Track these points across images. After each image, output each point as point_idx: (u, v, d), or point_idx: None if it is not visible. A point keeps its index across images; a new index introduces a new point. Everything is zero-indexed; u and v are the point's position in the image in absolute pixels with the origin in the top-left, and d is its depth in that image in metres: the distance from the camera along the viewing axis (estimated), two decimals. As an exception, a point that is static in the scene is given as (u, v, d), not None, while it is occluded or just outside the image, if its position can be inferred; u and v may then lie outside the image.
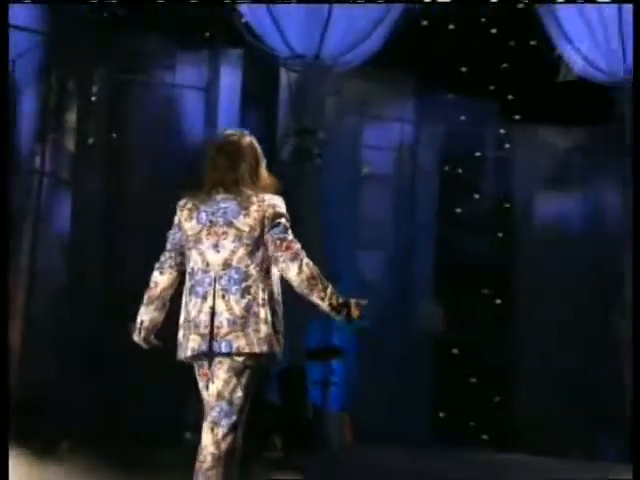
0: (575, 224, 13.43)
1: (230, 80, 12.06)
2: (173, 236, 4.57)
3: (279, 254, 4.36)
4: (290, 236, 4.40)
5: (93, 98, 11.46)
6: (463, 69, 12.72)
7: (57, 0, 10.88)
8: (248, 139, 4.63)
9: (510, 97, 13.08)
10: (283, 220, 4.43)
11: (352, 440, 11.27)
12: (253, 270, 4.38)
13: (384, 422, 11.79)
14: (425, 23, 12.22)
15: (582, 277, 12.86)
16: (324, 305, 4.32)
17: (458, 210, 13.18)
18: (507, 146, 13.57)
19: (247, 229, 4.40)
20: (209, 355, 4.36)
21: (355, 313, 4.34)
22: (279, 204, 4.47)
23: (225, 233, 4.41)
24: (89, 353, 10.66)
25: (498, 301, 13.11)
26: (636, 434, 4.49)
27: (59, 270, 11.17)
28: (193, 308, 4.40)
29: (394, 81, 12.73)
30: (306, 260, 4.35)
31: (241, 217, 4.41)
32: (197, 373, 4.48)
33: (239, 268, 4.37)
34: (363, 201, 12.72)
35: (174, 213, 4.62)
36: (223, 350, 4.31)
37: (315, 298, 4.33)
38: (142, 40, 11.64)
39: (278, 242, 4.38)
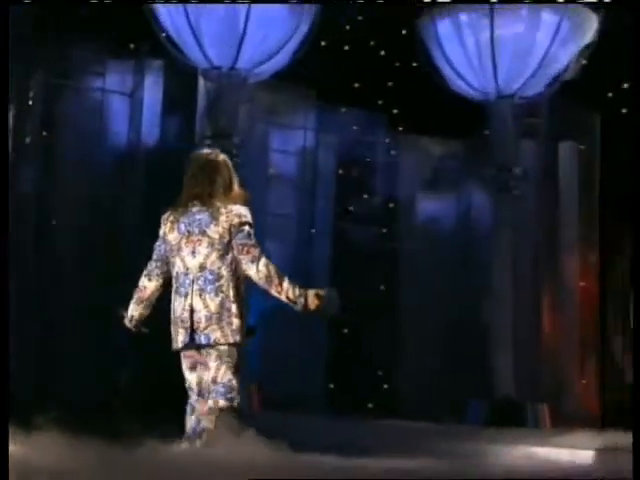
0: (449, 221, 14.24)
1: (153, 87, 12.18)
2: (159, 248, 4.76)
3: (241, 257, 4.58)
4: (252, 241, 4.60)
5: (29, 101, 11.40)
6: (356, 85, 13.14)
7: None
8: (222, 157, 4.84)
9: (395, 111, 13.61)
10: (247, 227, 4.62)
11: (260, 408, 11.52)
12: (224, 271, 4.60)
13: (286, 392, 12.22)
14: (324, 44, 12.56)
15: (455, 267, 13.66)
16: (282, 298, 4.54)
17: (350, 208, 13.73)
18: (392, 153, 14.13)
19: (217, 236, 4.61)
20: (193, 346, 4.61)
21: (314, 303, 4.47)
22: (244, 213, 4.66)
23: (200, 240, 4.63)
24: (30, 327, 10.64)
25: (382, 287, 13.69)
26: (636, 426, 4.77)
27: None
28: (178, 306, 4.63)
29: (298, 93, 13.08)
30: (264, 261, 4.55)
31: (212, 226, 4.62)
32: (182, 356, 4.69)
33: (213, 270, 4.58)
34: (269, 198, 13.02)
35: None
36: (203, 342, 4.55)
37: (273, 292, 4.55)
38: (73, 50, 11.67)
39: (241, 247, 4.60)
